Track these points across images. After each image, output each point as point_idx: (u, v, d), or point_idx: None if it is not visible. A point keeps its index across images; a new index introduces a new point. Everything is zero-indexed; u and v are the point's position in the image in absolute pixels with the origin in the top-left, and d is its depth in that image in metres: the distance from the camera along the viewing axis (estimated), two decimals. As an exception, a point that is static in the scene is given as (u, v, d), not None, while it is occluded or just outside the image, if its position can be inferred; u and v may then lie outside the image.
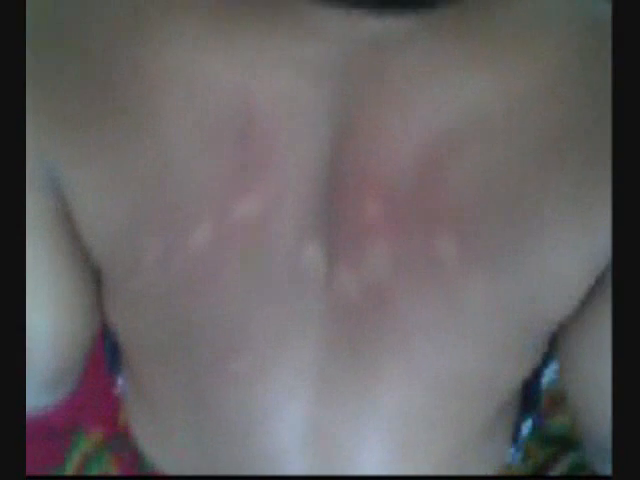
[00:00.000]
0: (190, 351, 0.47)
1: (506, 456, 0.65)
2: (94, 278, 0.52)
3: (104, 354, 0.74)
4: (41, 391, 0.54)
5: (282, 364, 0.47)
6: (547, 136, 0.40)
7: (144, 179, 0.42)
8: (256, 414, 0.49)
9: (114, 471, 0.79)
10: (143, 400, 0.57)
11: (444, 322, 0.44)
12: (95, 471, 0.80)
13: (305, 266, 0.44)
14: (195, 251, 0.43)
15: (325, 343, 0.46)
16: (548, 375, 0.79)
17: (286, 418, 0.49)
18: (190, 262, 0.44)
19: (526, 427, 0.74)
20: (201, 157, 0.41)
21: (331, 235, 0.43)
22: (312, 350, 0.47)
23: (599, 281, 0.45)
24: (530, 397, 0.69)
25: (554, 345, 0.51)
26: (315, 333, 0.46)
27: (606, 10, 0.42)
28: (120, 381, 0.68)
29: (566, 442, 0.88)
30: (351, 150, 0.42)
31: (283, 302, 0.45)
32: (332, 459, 0.51)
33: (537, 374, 0.70)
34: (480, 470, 0.58)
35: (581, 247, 0.42)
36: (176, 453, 0.56)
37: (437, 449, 0.51)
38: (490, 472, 0.60)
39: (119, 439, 0.78)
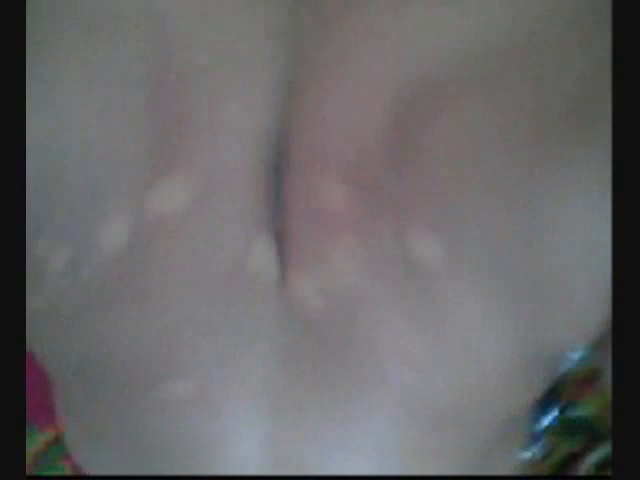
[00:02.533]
0: (113, 377, 0.40)
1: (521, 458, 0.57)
2: None
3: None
4: None
5: (228, 386, 0.40)
6: (563, 87, 0.31)
7: (39, 169, 0.33)
8: (202, 445, 0.42)
9: (66, 472, 0.73)
10: (73, 412, 0.51)
11: (428, 343, 0.35)
12: (48, 471, 0.74)
13: (253, 268, 0.36)
14: (108, 257, 0.35)
15: (281, 362, 0.39)
16: (570, 360, 0.72)
17: (240, 446, 0.42)
18: (103, 271, 0.35)
19: (546, 420, 0.70)
20: (101, 127, 0.33)
21: (282, 229, 0.35)
22: (266, 369, 0.39)
23: None
24: (550, 390, 0.60)
25: None
26: (268, 348, 0.39)
27: None
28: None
29: (595, 432, 0.79)
30: (303, 115, 0.33)
31: (226, 313, 0.37)
32: None
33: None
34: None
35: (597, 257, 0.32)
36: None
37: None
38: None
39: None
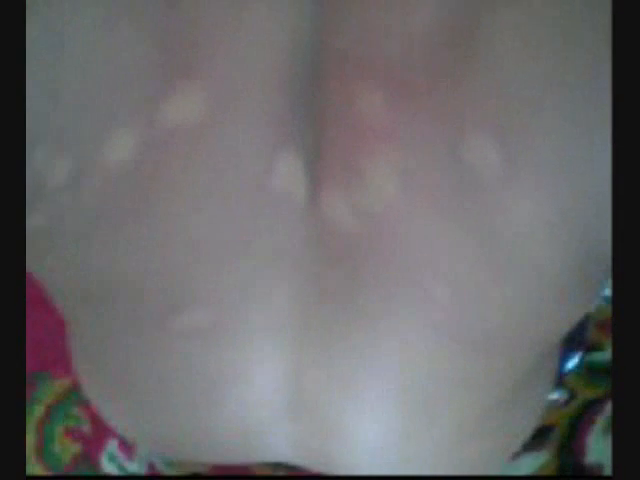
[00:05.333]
0: (123, 307, 0.38)
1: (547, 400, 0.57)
2: None
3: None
4: None
5: (249, 315, 0.38)
6: None
7: (36, 73, 0.31)
8: (218, 378, 0.41)
9: (84, 422, 0.72)
10: (86, 351, 0.49)
11: (471, 258, 0.33)
12: (62, 421, 0.72)
13: (278, 184, 0.34)
14: (115, 169, 0.32)
15: (307, 286, 0.37)
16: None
17: (259, 381, 0.41)
18: (110, 185, 0.33)
19: (571, 363, 0.69)
20: (105, 32, 0.30)
21: (314, 141, 0.33)
22: (290, 295, 0.37)
23: None
24: (575, 330, 0.59)
25: None
26: (293, 274, 0.37)
27: None
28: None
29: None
30: (337, 12, 0.30)
31: (247, 234, 0.35)
32: (323, 429, 0.43)
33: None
34: (515, 426, 0.49)
35: None
36: (133, 418, 0.49)
37: (459, 413, 0.42)
38: (529, 423, 0.51)
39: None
